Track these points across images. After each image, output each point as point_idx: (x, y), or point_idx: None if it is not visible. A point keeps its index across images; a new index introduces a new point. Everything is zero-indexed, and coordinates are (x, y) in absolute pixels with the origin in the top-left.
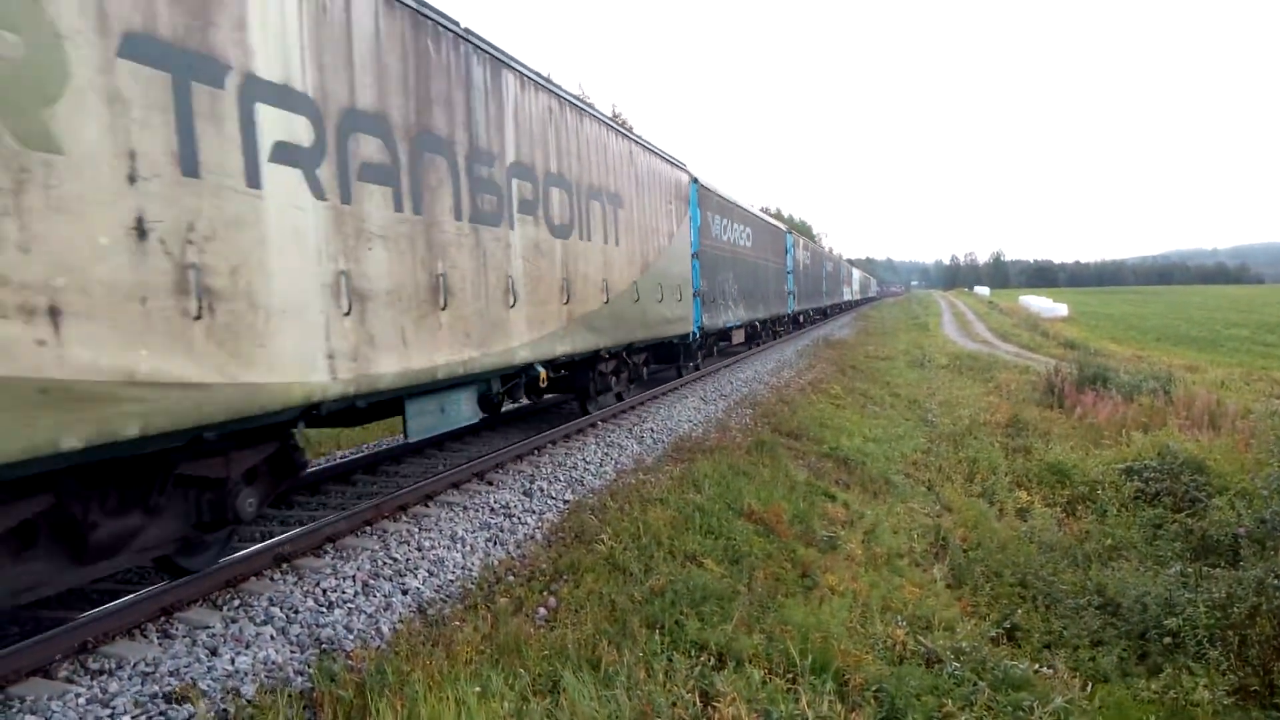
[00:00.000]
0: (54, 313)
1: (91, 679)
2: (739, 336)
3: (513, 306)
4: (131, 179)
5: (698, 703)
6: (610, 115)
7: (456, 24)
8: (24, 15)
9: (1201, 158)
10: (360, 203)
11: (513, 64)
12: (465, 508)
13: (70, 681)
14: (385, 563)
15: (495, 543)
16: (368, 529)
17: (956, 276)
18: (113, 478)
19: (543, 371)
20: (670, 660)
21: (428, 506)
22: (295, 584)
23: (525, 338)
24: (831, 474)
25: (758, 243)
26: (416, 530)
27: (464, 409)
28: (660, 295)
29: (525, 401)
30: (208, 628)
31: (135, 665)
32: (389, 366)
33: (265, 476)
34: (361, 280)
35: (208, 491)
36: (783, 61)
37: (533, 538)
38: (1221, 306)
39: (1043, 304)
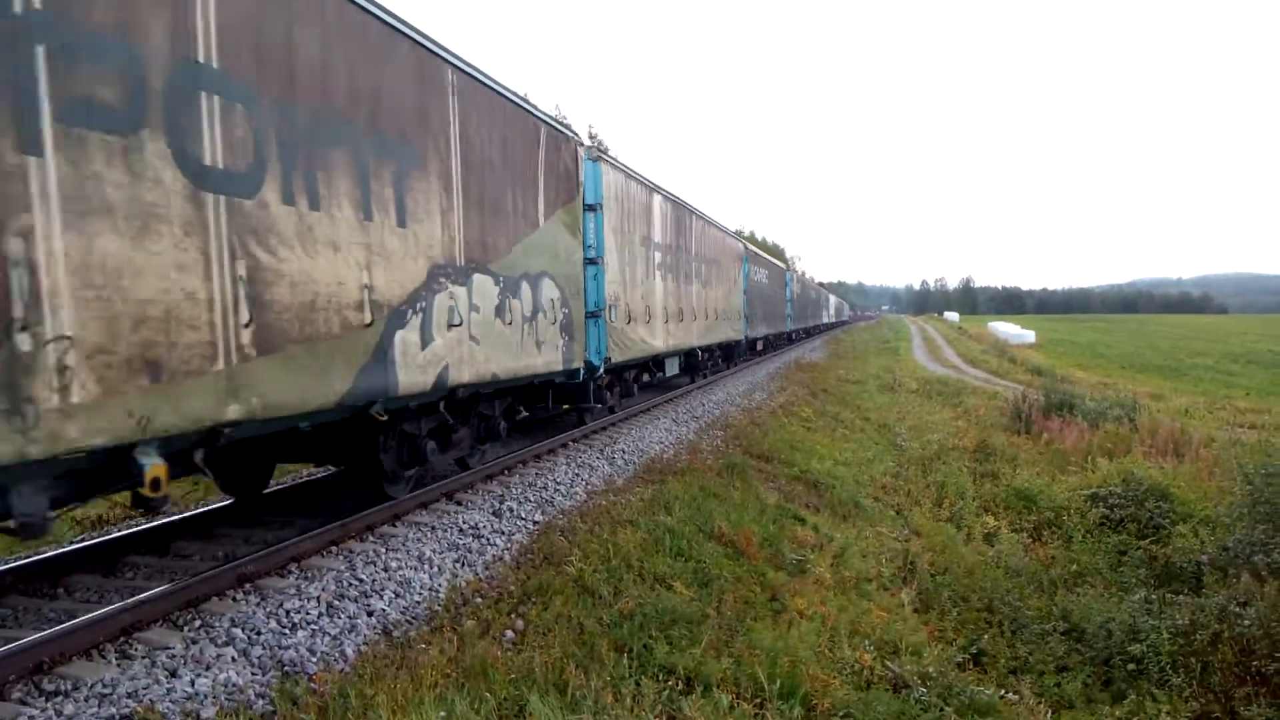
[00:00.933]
0: (641, 318)
1: (46, 700)
2: (760, 344)
3: (694, 321)
4: (641, 284)
5: None
6: (588, 138)
7: (684, 199)
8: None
9: (1167, 189)
10: (667, 280)
11: (696, 211)
12: (433, 528)
13: (24, 703)
14: (351, 583)
15: (463, 564)
16: (333, 549)
17: (927, 302)
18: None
19: (700, 353)
20: (638, 684)
21: (395, 526)
22: (258, 604)
23: (694, 335)
24: (801, 497)
25: (771, 280)
26: (383, 550)
27: (677, 367)
28: (732, 317)
29: (674, 373)
30: (167, 648)
31: (92, 686)
32: (672, 342)
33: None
34: (672, 308)
35: (624, 384)
36: (760, 83)
37: (501, 559)
38: (1186, 335)
39: (1011, 330)
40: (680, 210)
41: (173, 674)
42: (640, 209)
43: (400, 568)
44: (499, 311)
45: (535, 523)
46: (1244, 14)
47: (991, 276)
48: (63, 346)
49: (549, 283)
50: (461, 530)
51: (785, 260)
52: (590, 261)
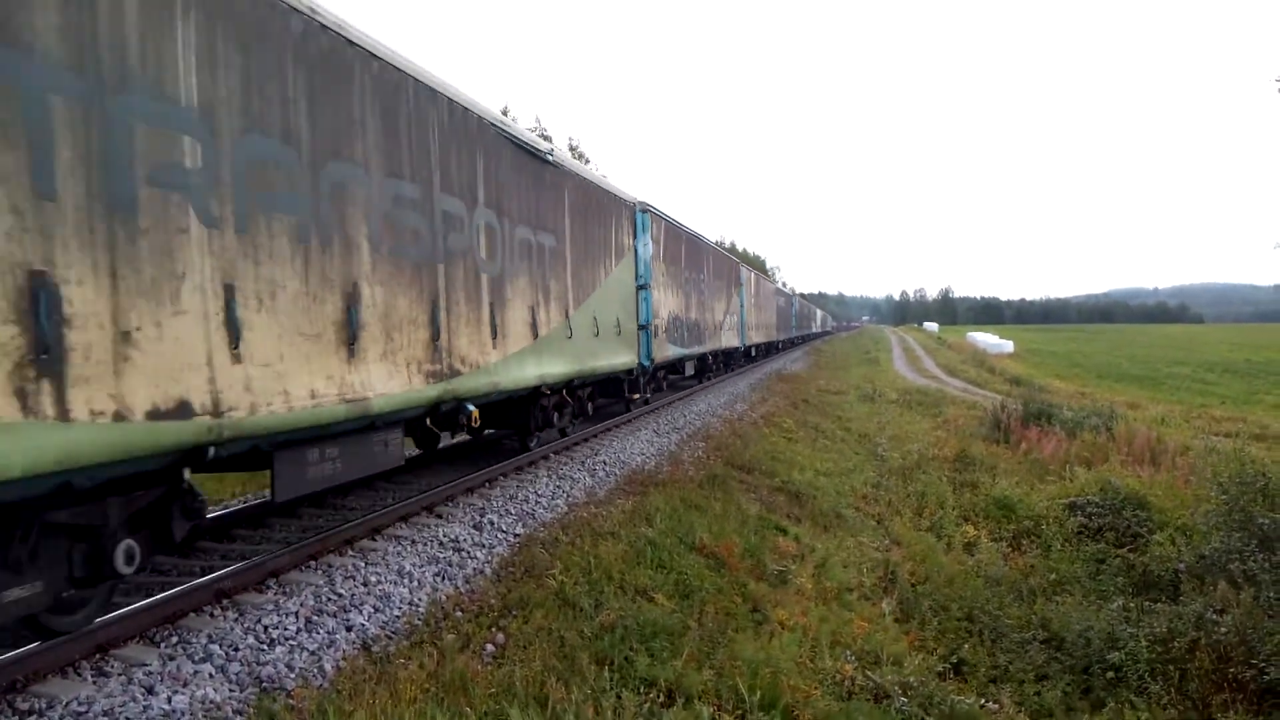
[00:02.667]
0: (751, 328)
1: (20, 719)
2: (781, 345)
3: (760, 329)
4: (749, 313)
5: None
6: (568, 148)
7: (759, 272)
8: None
9: (1143, 199)
10: (754, 310)
11: (760, 275)
12: (413, 541)
13: None
14: (330, 598)
15: (443, 577)
16: (312, 563)
17: (906, 312)
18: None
19: (763, 346)
20: (619, 697)
21: (374, 540)
22: (236, 620)
23: (762, 336)
24: (783, 508)
25: (785, 303)
26: (363, 565)
27: (754, 353)
28: (772, 327)
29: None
30: (144, 665)
31: (68, 705)
32: (757, 339)
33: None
34: (756, 322)
35: (743, 358)
36: (742, 92)
37: (482, 572)
38: (1162, 345)
39: (989, 340)
40: (759, 277)
41: (149, 691)
42: (747, 279)
43: (380, 582)
44: (729, 325)
45: (516, 535)
46: (1222, 28)
47: (970, 287)
48: (659, 327)
49: (737, 315)
50: (442, 544)
51: (766, 270)
52: (743, 306)
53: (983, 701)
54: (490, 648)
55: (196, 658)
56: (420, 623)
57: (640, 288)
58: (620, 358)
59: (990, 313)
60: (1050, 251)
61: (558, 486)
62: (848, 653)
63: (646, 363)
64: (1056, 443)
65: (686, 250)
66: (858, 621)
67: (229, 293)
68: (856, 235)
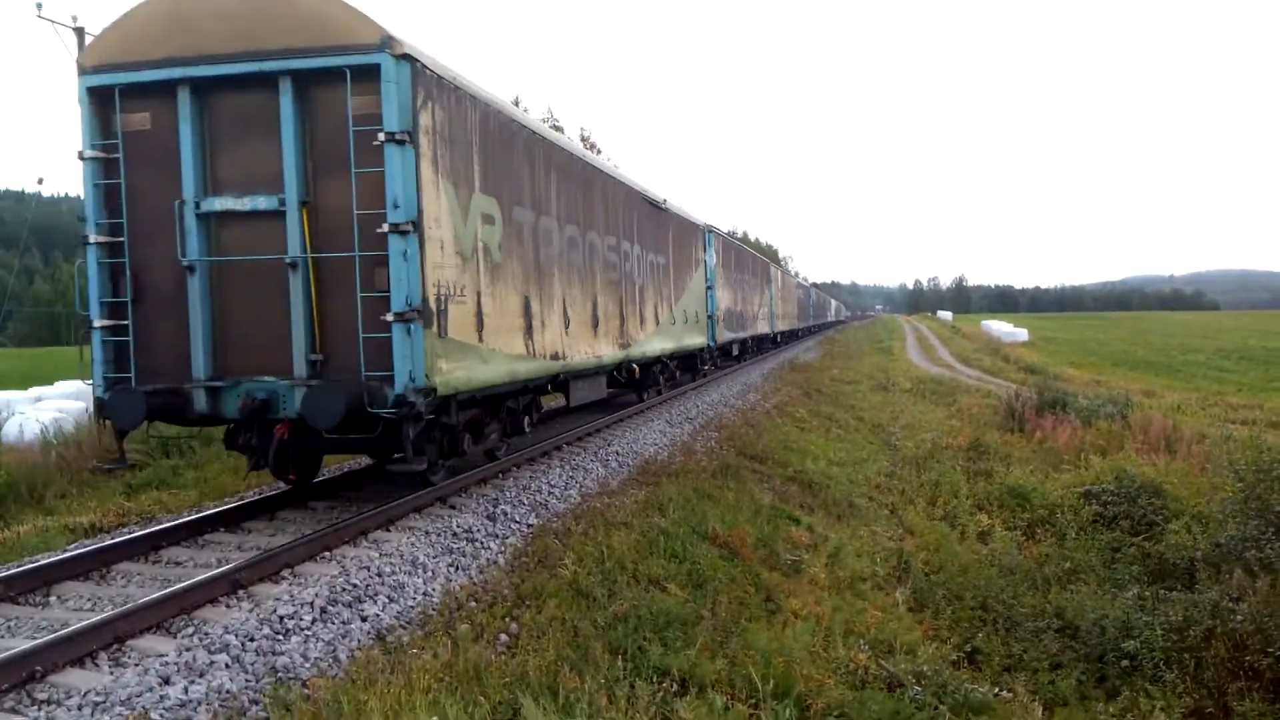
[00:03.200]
0: (778, 317)
1: (39, 709)
2: (800, 331)
3: (783, 318)
4: (777, 304)
5: None
6: (580, 139)
7: (784, 268)
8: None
9: (1159, 186)
10: (780, 301)
11: (785, 269)
12: (427, 532)
13: (15, 712)
14: (344, 589)
15: (457, 568)
16: (326, 554)
17: (920, 301)
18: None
19: (787, 332)
20: (632, 687)
21: (388, 531)
22: (251, 611)
23: (786, 324)
24: (796, 497)
25: (805, 294)
26: (377, 555)
27: (782, 338)
28: (793, 316)
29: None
30: (161, 656)
31: (85, 695)
32: (783, 326)
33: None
34: (781, 312)
35: (771, 343)
36: (754, 81)
37: (495, 562)
38: (1178, 332)
39: (1004, 329)
40: (784, 273)
41: (166, 681)
42: (775, 276)
43: (394, 572)
44: (762, 315)
45: (529, 526)
46: (1237, 12)
47: (985, 275)
48: (719, 317)
49: (768, 307)
50: (455, 534)
51: (779, 260)
52: (771, 298)
53: (996, 690)
54: (504, 637)
55: (213, 648)
56: (434, 613)
57: (708, 288)
58: (697, 339)
59: (1005, 301)
60: (1065, 239)
61: (570, 477)
62: (861, 642)
63: (713, 343)
64: (1071, 431)
65: (735, 257)
66: (871, 611)
67: (564, 302)
68: (869, 224)
